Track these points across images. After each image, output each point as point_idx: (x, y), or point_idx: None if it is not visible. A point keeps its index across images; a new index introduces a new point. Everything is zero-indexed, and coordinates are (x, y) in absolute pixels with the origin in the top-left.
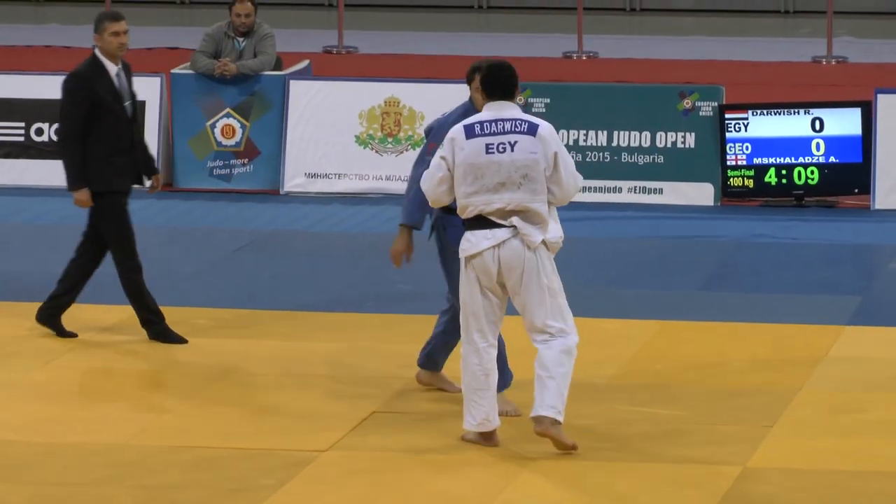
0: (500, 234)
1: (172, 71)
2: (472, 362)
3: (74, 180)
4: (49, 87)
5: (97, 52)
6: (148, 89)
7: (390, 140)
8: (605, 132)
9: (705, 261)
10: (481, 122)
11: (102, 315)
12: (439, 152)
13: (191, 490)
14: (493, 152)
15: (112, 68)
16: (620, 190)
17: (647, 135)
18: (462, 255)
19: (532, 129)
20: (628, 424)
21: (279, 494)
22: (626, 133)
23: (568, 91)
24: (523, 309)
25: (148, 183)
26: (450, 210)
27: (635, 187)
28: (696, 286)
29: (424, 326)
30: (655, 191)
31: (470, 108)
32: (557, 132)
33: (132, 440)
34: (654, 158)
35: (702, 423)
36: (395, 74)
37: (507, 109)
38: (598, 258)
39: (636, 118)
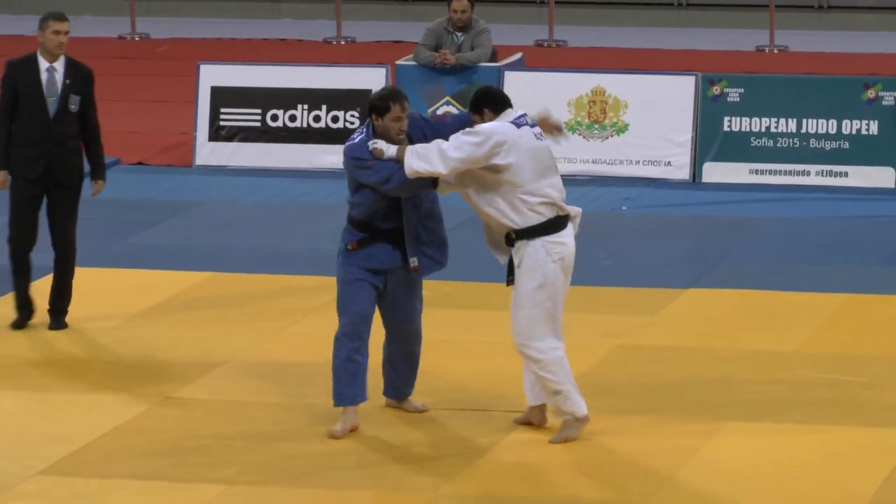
0: (570, 229)
1: (397, 62)
2: (561, 356)
3: None
4: (282, 77)
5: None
6: (374, 79)
7: (596, 126)
8: (795, 120)
9: (888, 239)
10: (517, 116)
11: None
12: (490, 145)
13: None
14: (541, 138)
15: (44, 64)
16: (809, 173)
17: (833, 122)
18: (561, 256)
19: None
20: (814, 390)
21: (492, 453)
22: (814, 121)
23: (760, 82)
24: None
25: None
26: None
27: (822, 171)
28: (879, 262)
29: (625, 298)
30: (841, 174)
31: (371, 134)
32: (750, 120)
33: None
34: (840, 144)
35: (884, 389)
36: (601, 66)
37: (513, 112)
38: (788, 237)
39: (823, 107)
